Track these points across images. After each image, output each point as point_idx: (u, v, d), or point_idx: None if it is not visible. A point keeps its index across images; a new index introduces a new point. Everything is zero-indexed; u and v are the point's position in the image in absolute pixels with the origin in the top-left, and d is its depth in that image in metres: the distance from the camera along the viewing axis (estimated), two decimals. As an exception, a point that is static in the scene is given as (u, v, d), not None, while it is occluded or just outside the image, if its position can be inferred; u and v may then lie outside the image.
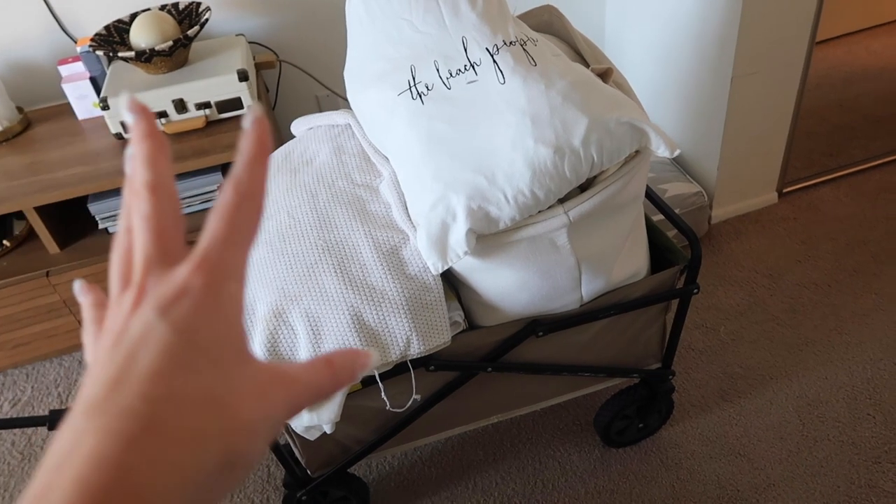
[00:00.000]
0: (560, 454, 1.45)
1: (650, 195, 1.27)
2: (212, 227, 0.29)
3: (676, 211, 1.80)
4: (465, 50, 0.92)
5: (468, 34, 0.92)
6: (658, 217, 1.77)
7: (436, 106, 0.92)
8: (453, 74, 0.91)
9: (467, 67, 0.91)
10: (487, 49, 0.91)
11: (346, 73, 1.08)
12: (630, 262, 1.13)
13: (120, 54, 1.54)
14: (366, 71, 1.02)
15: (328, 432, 1.05)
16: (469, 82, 0.90)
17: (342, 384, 0.32)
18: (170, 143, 0.32)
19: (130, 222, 0.31)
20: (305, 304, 0.99)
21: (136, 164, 0.31)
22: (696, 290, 1.20)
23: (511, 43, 0.91)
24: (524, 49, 0.91)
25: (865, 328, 1.62)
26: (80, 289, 0.36)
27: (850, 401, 1.47)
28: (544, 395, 1.29)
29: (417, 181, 0.94)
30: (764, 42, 1.66)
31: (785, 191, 2.02)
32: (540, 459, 1.44)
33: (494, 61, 0.90)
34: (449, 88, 0.91)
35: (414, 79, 0.93)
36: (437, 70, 0.92)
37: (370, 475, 1.46)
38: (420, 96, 0.92)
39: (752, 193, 1.97)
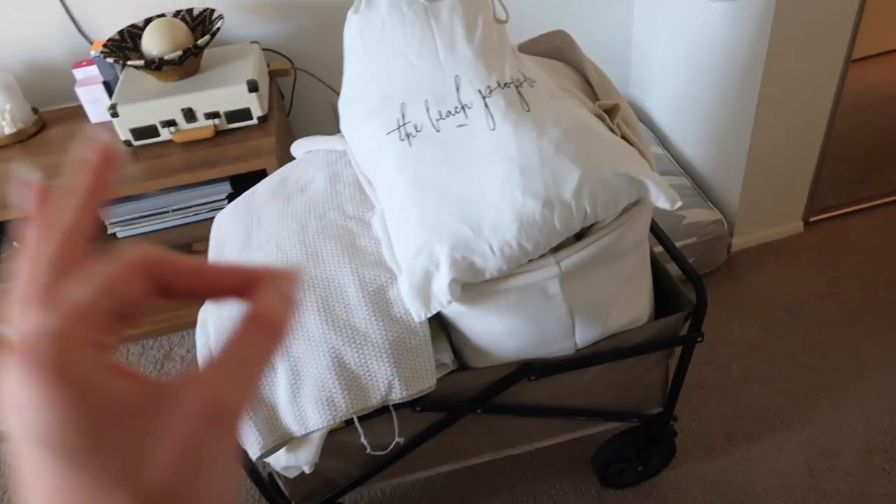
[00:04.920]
0: (556, 492, 1.41)
1: (657, 234, 1.21)
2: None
3: (693, 240, 1.75)
4: (458, 90, 0.87)
5: (462, 72, 0.88)
6: (680, 243, 1.71)
7: (424, 148, 0.88)
8: (443, 116, 0.87)
9: (458, 109, 0.87)
10: (480, 91, 0.86)
11: (339, 103, 1.04)
12: (629, 308, 1.08)
13: (129, 63, 1.53)
14: (358, 104, 0.98)
15: (306, 472, 1.03)
16: (459, 126, 0.86)
17: (277, 332, 0.27)
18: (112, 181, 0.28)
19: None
20: (286, 343, 0.96)
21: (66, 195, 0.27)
22: (699, 339, 1.15)
23: (505, 84, 0.87)
24: (519, 92, 0.87)
25: (886, 374, 1.54)
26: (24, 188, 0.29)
27: (865, 453, 1.41)
28: (538, 437, 1.25)
29: (403, 223, 0.90)
30: (793, 66, 1.59)
31: (811, 220, 1.93)
32: (535, 497, 1.41)
33: (486, 105, 0.85)
34: (438, 131, 0.87)
35: (403, 117, 0.90)
36: (428, 110, 0.88)
37: None
38: (408, 137, 0.89)
39: (776, 222, 1.89)
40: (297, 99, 1.99)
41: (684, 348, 1.18)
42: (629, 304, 1.07)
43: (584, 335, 1.03)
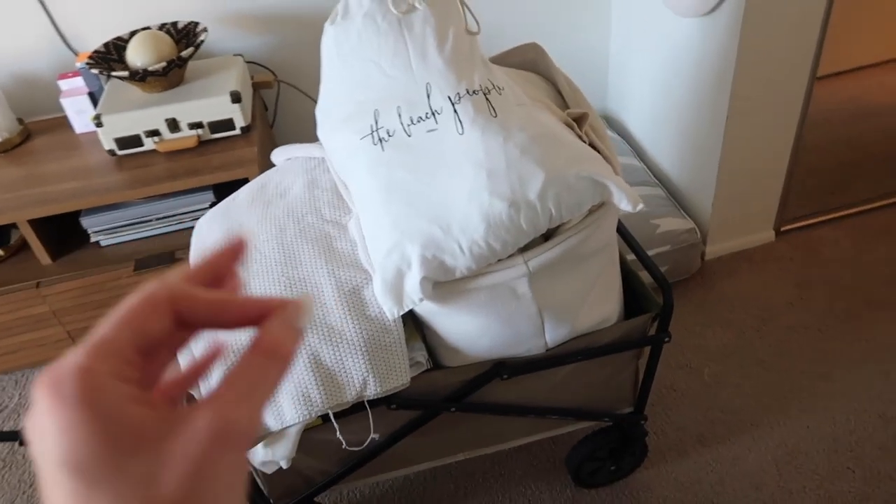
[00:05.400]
0: (531, 492, 1.44)
1: (626, 238, 1.25)
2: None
3: (667, 248, 1.79)
4: (428, 97, 0.91)
5: (433, 80, 0.92)
6: (654, 251, 1.76)
7: (396, 153, 0.92)
8: (414, 122, 0.91)
9: (428, 115, 0.91)
10: (450, 97, 0.90)
11: (317, 111, 1.08)
12: (598, 309, 1.11)
13: (114, 73, 1.56)
14: (334, 112, 1.02)
15: (284, 468, 1.05)
16: (429, 130, 0.90)
17: (281, 361, 0.29)
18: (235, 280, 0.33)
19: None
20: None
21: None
22: (667, 339, 1.18)
23: (474, 92, 0.91)
24: (487, 99, 0.91)
25: (853, 377, 1.59)
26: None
27: (831, 453, 1.44)
28: (512, 436, 1.28)
29: (376, 226, 0.94)
30: (761, 80, 1.64)
31: (783, 229, 1.99)
32: (511, 497, 1.43)
33: (455, 111, 0.89)
34: (409, 136, 0.91)
35: (376, 123, 0.93)
36: (400, 116, 0.92)
37: (340, 503, 1.46)
38: (381, 142, 0.92)
39: (749, 231, 1.95)
40: (281, 111, 2.03)
41: (653, 349, 1.22)
42: (598, 305, 1.11)
43: (553, 334, 1.07)
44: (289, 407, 0.97)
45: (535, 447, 1.51)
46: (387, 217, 0.91)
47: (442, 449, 1.27)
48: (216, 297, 0.30)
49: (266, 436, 1.00)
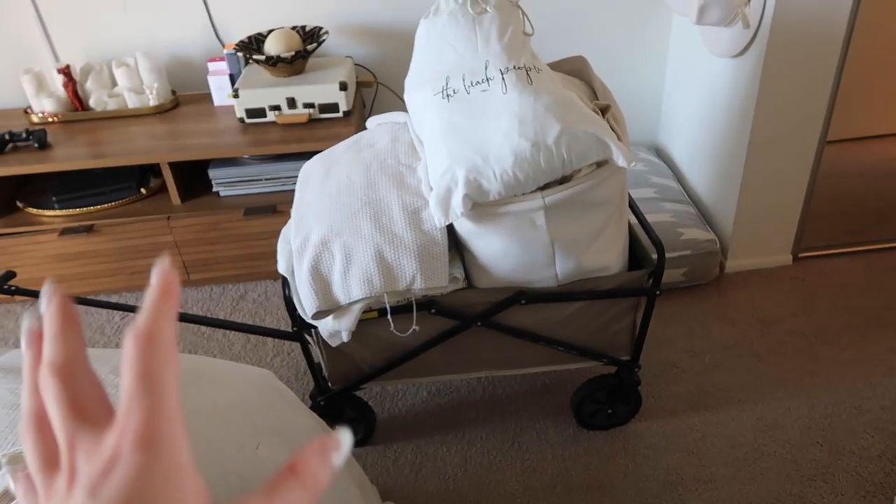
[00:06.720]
0: (539, 426, 1.71)
1: (635, 210, 1.55)
2: (125, 384, 0.28)
3: (688, 252, 2.06)
4: (486, 69, 1.27)
5: (490, 58, 1.27)
6: (676, 253, 2.03)
7: (457, 105, 1.27)
8: (473, 84, 1.26)
9: (483, 80, 1.25)
10: (500, 70, 1.25)
11: (406, 80, 1.45)
12: (602, 255, 1.41)
13: (254, 57, 2.00)
14: (417, 78, 1.39)
15: (345, 339, 1.38)
16: (483, 91, 1.25)
17: (313, 491, 0.31)
18: (80, 318, 0.32)
19: (42, 402, 0.30)
20: (345, 239, 1.34)
21: (45, 344, 0.31)
22: (658, 292, 1.46)
23: (519, 68, 1.25)
24: (528, 74, 1.25)
25: (839, 376, 1.80)
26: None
27: (804, 429, 1.66)
28: (526, 363, 1.57)
29: (437, 155, 1.28)
30: (779, 116, 1.92)
31: (800, 255, 2.22)
32: (521, 426, 1.71)
33: (503, 78, 1.24)
34: (468, 94, 1.26)
35: (446, 84, 1.29)
36: (463, 80, 1.27)
37: (382, 413, 1.77)
38: (448, 97, 1.28)
39: (766, 253, 2.19)
40: (375, 108, 2.43)
41: (647, 301, 1.50)
42: (602, 251, 1.41)
43: (563, 266, 1.37)
44: (356, 286, 1.31)
45: (548, 394, 1.79)
46: (444, 148, 1.25)
47: (467, 366, 1.58)
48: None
49: (336, 308, 1.34)
